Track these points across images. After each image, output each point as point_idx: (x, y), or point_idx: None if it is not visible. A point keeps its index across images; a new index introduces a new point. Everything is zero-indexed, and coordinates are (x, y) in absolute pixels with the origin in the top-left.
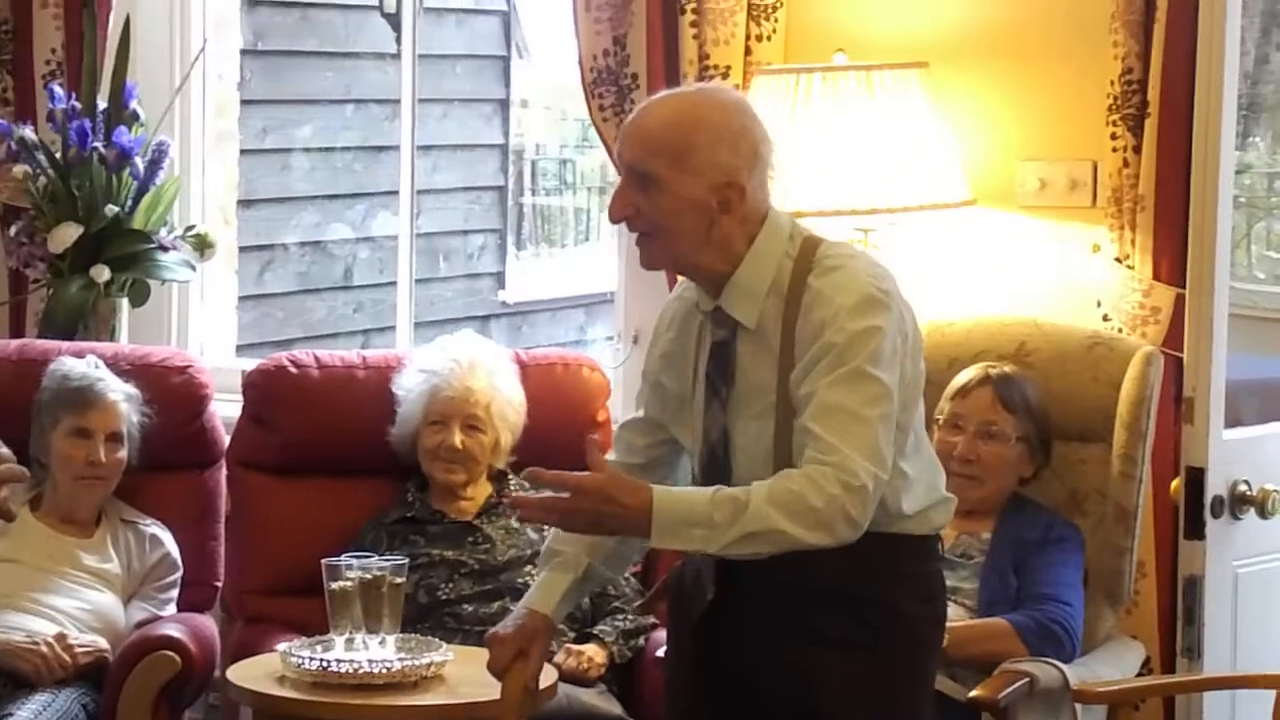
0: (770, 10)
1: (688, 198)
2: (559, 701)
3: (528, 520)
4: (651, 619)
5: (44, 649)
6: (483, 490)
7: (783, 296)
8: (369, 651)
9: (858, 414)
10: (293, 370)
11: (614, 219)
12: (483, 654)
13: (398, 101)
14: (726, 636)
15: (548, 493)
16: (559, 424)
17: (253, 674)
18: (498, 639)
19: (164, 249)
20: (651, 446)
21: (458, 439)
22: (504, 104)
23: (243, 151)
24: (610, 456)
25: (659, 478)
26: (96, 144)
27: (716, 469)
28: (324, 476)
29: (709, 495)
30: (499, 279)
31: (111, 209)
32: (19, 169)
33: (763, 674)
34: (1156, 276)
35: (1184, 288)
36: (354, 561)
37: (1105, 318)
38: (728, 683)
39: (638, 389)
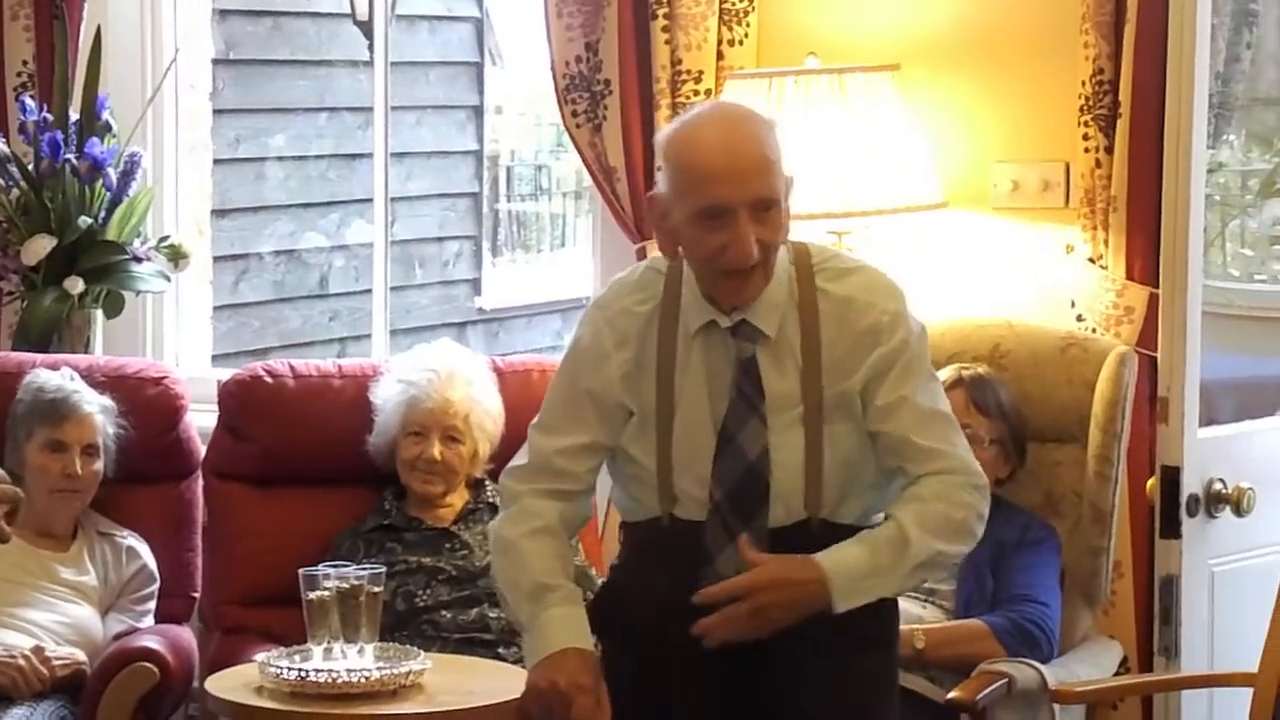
0: (742, 15)
1: (786, 211)
2: None
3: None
4: None
5: (21, 662)
6: (460, 497)
7: (796, 304)
8: (347, 661)
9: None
10: (268, 380)
11: (753, 262)
12: (461, 661)
13: (371, 109)
14: (760, 648)
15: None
16: None
17: (231, 684)
18: (580, 688)
19: (138, 260)
20: (591, 472)
21: (437, 450)
22: (478, 110)
23: (216, 161)
24: (534, 485)
25: (587, 503)
26: (69, 156)
27: (754, 485)
28: (301, 486)
29: (861, 544)
30: (475, 285)
31: (85, 220)
32: None
33: (802, 679)
34: (1130, 276)
35: (1157, 287)
36: (331, 571)
37: (1079, 318)
38: (757, 692)
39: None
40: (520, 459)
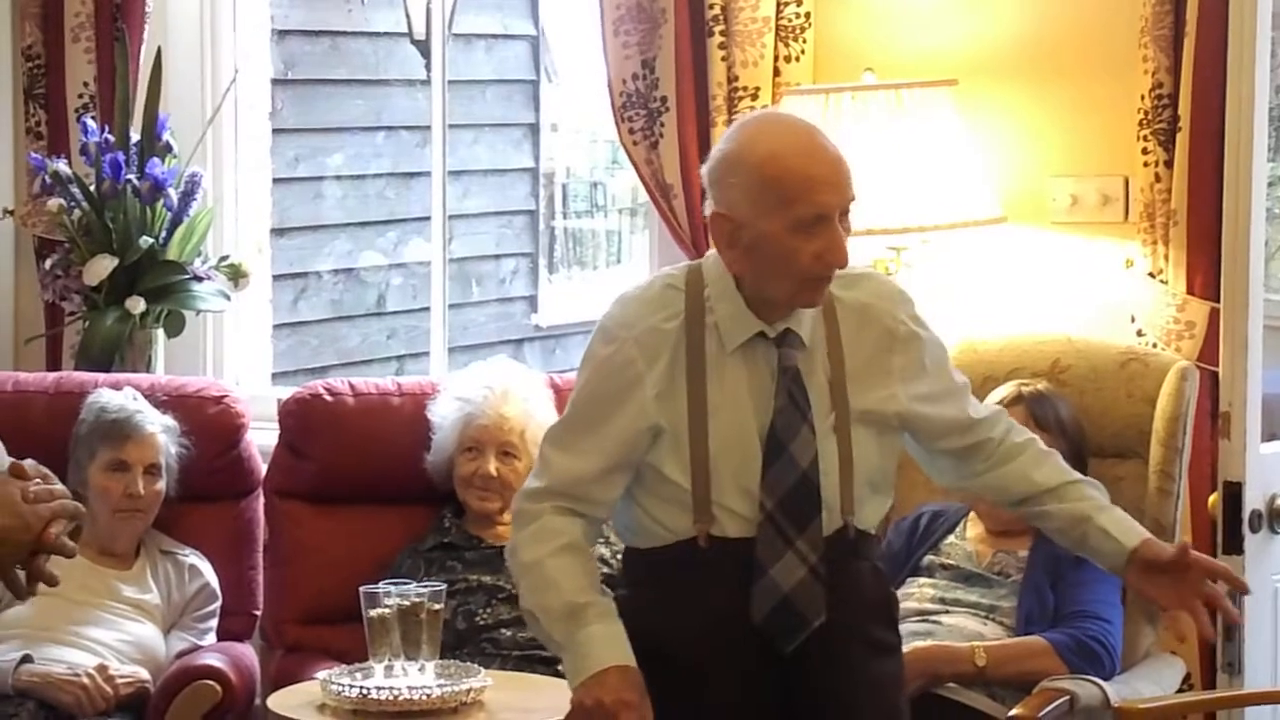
0: (799, 31)
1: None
2: None
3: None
4: None
5: (85, 681)
6: None
7: (820, 313)
8: (408, 678)
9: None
10: (328, 398)
11: (847, 261)
12: (522, 679)
13: (428, 128)
14: (815, 661)
15: None
16: None
17: (293, 702)
18: (626, 704)
19: (198, 279)
20: (616, 498)
21: (493, 466)
22: (534, 128)
23: (275, 180)
24: (555, 504)
25: (602, 523)
26: (130, 176)
27: (808, 492)
28: (360, 504)
29: (1106, 506)
30: (531, 302)
31: (146, 241)
32: (53, 203)
33: (849, 692)
34: (1190, 291)
35: (1218, 302)
36: (392, 589)
37: (1139, 333)
38: (815, 712)
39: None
40: (535, 481)
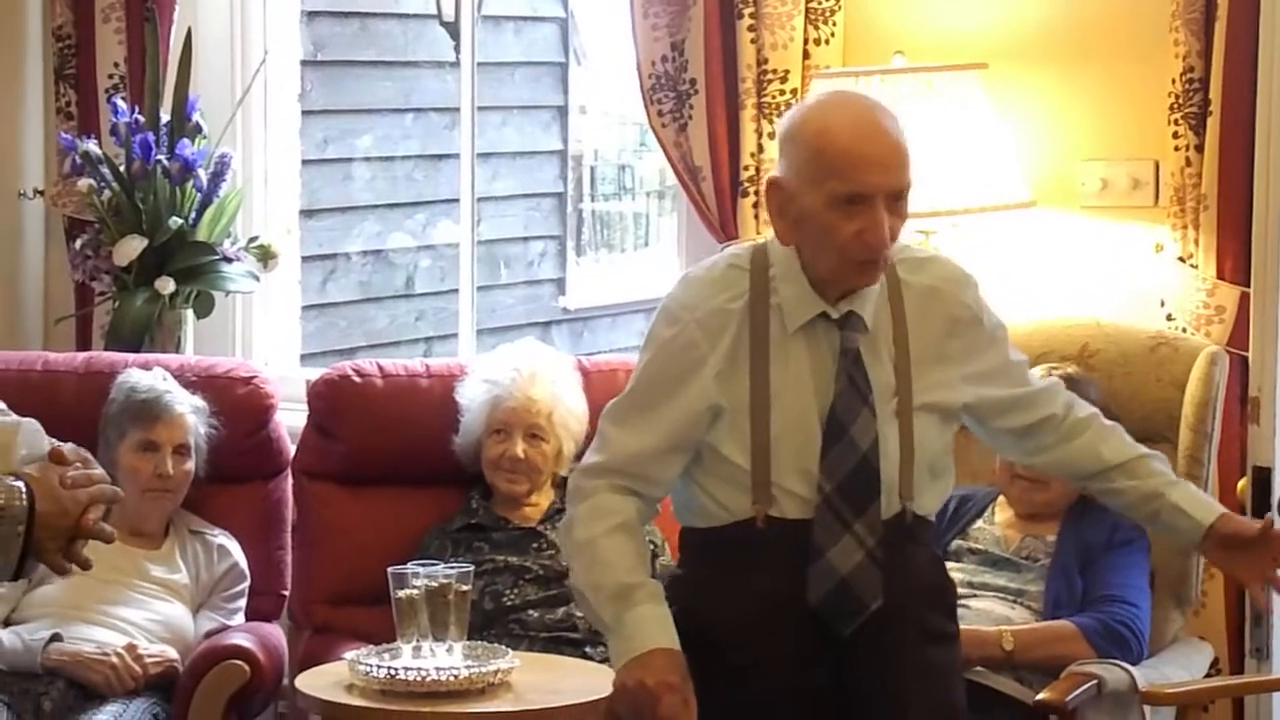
0: (828, 14)
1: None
2: None
3: None
4: None
5: (114, 660)
6: (546, 497)
7: (886, 295)
8: (436, 659)
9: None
10: (357, 380)
11: (887, 247)
12: (549, 660)
13: (456, 110)
14: (867, 646)
15: None
16: None
17: (321, 682)
18: (668, 686)
19: (228, 260)
20: (674, 478)
21: (520, 449)
22: (562, 110)
23: (304, 162)
24: (611, 482)
25: (659, 502)
26: (160, 157)
27: (867, 475)
28: (389, 485)
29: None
30: (559, 285)
31: (175, 221)
32: (83, 183)
33: (900, 678)
34: (1220, 276)
35: (1248, 286)
36: (420, 569)
37: (1169, 317)
38: (865, 699)
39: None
40: (595, 456)
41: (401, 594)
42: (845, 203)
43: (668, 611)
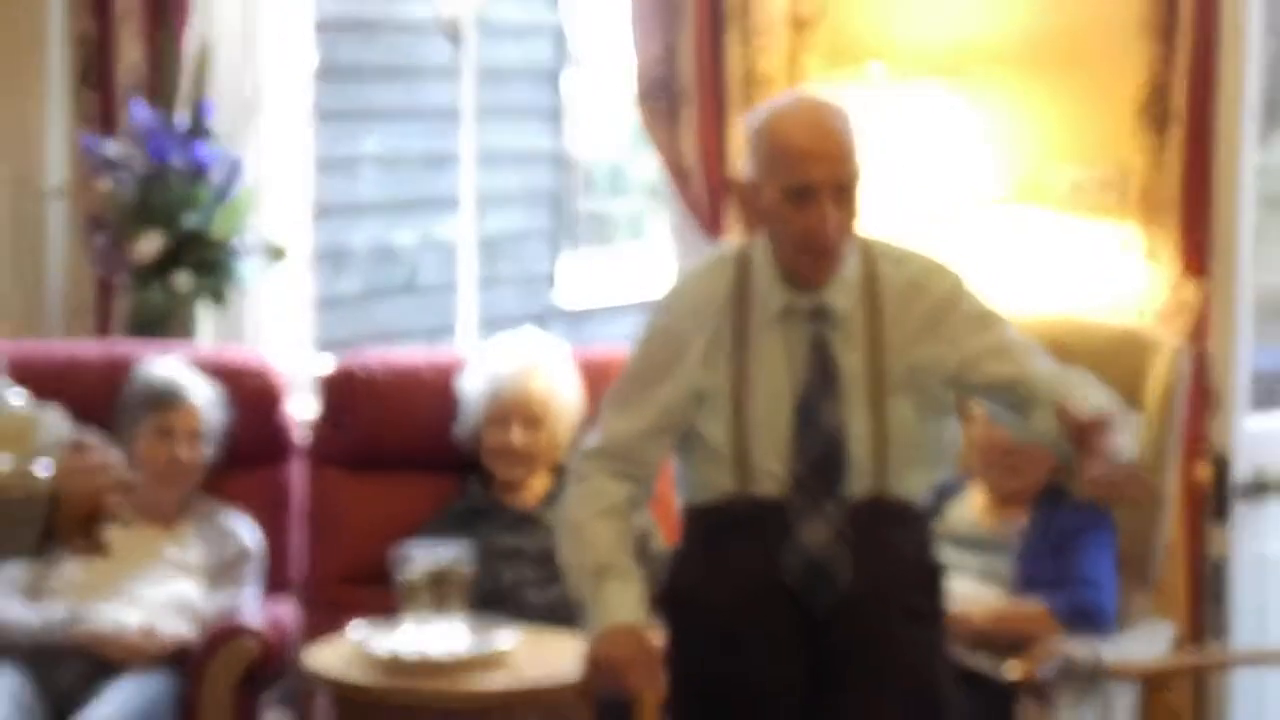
0: (811, 22)
1: (860, 194)
2: None
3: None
4: None
5: (130, 637)
6: (542, 481)
7: (863, 288)
8: (438, 635)
9: (1028, 341)
10: (363, 370)
11: (835, 243)
12: (545, 636)
13: (457, 113)
14: (844, 625)
15: None
16: None
17: (327, 659)
18: (632, 659)
19: (240, 256)
20: (662, 457)
21: (517, 437)
22: (558, 113)
23: (315, 163)
24: (605, 466)
25: (653, 485)
26: (176, 158)
27: (834, 458)
28: (394, 471)
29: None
30: (554, 282)
31: (191, 219)
32: (104, 182)
33: (884, 657)
34: (1184, 272)
35: (1209, 282)
36: (423, 551)
37: (1135, 313)
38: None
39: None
40: (592, 440)
41: (405, 574)
42: (795, 195)
43: (638, 590)
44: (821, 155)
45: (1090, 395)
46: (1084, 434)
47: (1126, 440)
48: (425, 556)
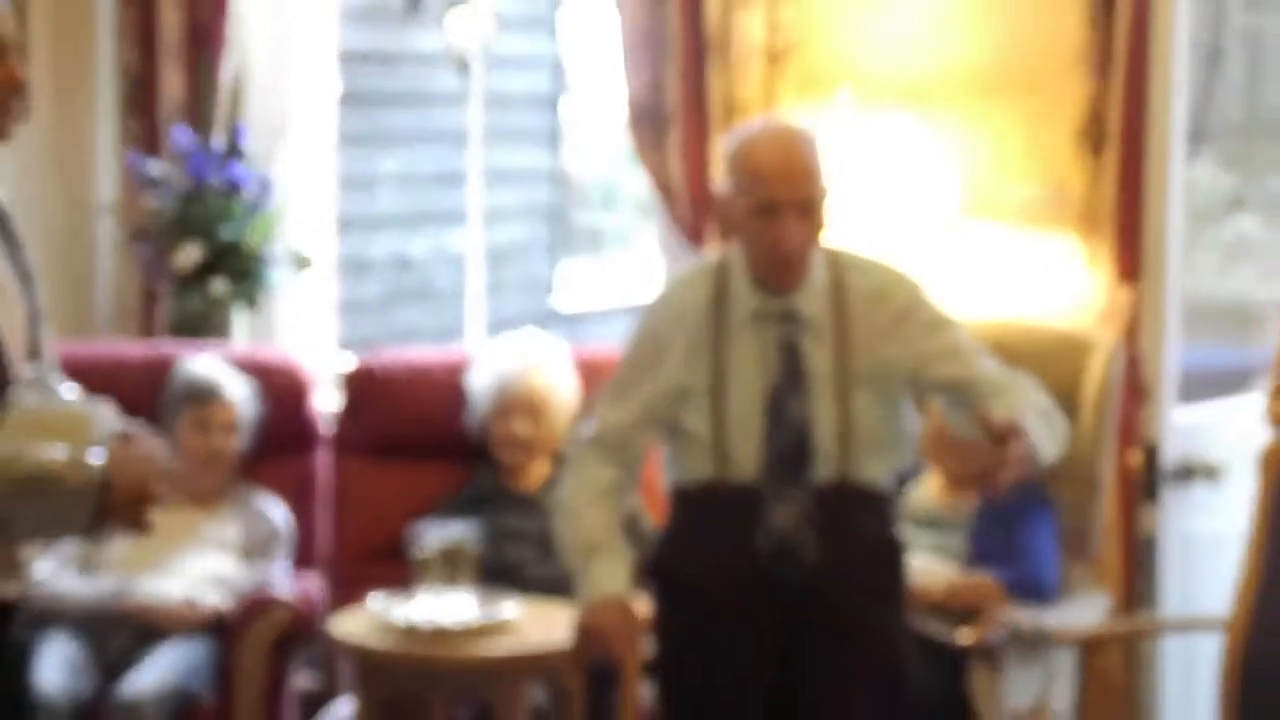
0: (785, 54)
1: (825, 210)
2: None
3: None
4: None
5: (173, 607)
6: (543, 468)
7: (831, 294)
8: (449, 605)
9: (979, 345)
10: (381, 368)
11: (798, 255)
12: (546, 608)
13: (466, 136)
14: (812, 601)
15: None
16: None
17: (351, 627)
18: (615, 628)
19: (271, 265)
20: (648, 445)
21: (521, 427)
22: (555, 135)
23: (338, 181)
24: (597, 453)
25: (640, 468)
26: (213, 177)
27: (802, 451)
28: (410, 459)
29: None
30: (553, 288)
31: (226, 231)
32: (149, 198)
33: (848, 630)
34: (1119, 279)
35: (1140, 288)
36: (435, 530)
37: (1075, 316)
38: (808, 650)
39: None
40: (587, 431)
41: (420, 551)
42: (762, 211)
43: (624, 565)
44: (786, 175)
45: (1025, 397)
46: (998, 437)
47: (1040, 440)
48: (438, 535)
